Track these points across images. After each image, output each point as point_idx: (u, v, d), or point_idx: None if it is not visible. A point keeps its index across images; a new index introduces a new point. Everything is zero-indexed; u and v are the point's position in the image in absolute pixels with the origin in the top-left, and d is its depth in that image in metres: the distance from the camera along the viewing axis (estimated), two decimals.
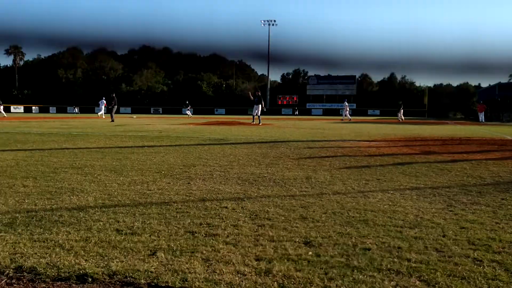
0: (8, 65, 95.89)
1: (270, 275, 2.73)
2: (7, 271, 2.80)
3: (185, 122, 28.35)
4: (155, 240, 3.40)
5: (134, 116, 48.53)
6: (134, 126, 22.45)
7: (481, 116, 44.06)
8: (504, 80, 75.48)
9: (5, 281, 2.70)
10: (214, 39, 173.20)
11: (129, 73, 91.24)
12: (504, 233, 3.67)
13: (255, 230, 3.71)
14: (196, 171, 6.95)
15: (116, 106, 31.03)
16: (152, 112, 77.66)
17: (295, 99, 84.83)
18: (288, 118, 54.08)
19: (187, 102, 53.94)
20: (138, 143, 11.86)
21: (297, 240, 3.44)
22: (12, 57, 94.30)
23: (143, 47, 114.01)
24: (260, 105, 26.74)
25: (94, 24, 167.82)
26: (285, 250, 3.18)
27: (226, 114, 74.51)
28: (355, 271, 2.79)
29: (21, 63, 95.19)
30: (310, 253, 3.13)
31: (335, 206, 4.64)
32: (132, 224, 3.83)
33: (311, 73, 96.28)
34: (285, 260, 2.98)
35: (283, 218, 4.11)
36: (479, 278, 2.67)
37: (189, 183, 5.92)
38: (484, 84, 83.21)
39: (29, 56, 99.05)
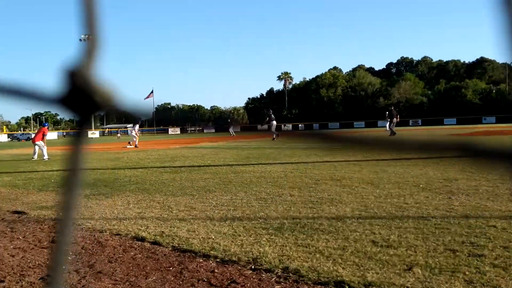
0: (280, 89, 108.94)
1: None
2: (276, 270, 3.15)
3: (448, 133, 26.51)
4: (411, 255, 3.27)
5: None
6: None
7: None
8: None
9: (275, 279, 3.04)
10: (479, 41, 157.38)
11: (387, 86, 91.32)
12: None
13: None
14: (459, 185, 6.40)
15: (394, 120, 27.53)
16: (410, 124, 75.59)
17: None
18: None
19: (388, 112, 44.76)
20: (395, 156, 11.71)
21: None
22: (283, 82, 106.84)
23: (400, 58, 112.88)
24: None
25: (352, 42, 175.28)
26: None
27: (497, 122, 66.44)
28: None
29: (290, 86, 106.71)
30: None
31: None
32: (388, 237, 3.79)
33: None
34: None
35: None
36: None
37: (450, 197, 5.50)
38: None
39: (296, 79, 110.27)
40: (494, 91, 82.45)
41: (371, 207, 5.10)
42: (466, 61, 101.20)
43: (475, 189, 6.02)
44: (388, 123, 27.53)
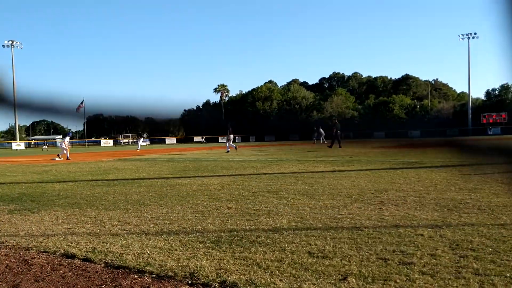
0: (216, 101, 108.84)
1: None
2: (214, 285, 3.10)
3: (376, 146, 27.68)
4: (346, 264, 3.36)
5: (326, 141, 49.49)
6: (325, 151, 22.93)
7: None
8: None
9: None
10: (405, 58, 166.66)
11: (320, 100, 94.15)
12: None
13: (456, 261, 3.36)
14: (389, 196, 6.70)
15: (339, 132, 28.66)
16: (343, 137, 78.14)
17: (503, 116, 75.31)
18: (494, 138, 48.34)
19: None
20: (329, 168, 12.05)
21: (508, 275, 2.99)
22: (219, 94, 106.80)
23: (333, 74, 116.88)
24: None
25: (287, 56, 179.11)
26: (493, 286, 2.80)
27: (422, 136, 70.43)
28: None
29: (226, 98, 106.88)
30: None
31: None
32: (323, 248, 3.87)
33: None
34: None
35: (490, 249, 3.64)
36: None
37: (381, 208, 5.73)
38: None
39: (233, 92, 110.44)
40: (418, 106, 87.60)
41: (307, 218, 5.20)
42: (393, 78, 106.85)
43: (404, 199, 6.32)
44: (322, 135, 29.05)
